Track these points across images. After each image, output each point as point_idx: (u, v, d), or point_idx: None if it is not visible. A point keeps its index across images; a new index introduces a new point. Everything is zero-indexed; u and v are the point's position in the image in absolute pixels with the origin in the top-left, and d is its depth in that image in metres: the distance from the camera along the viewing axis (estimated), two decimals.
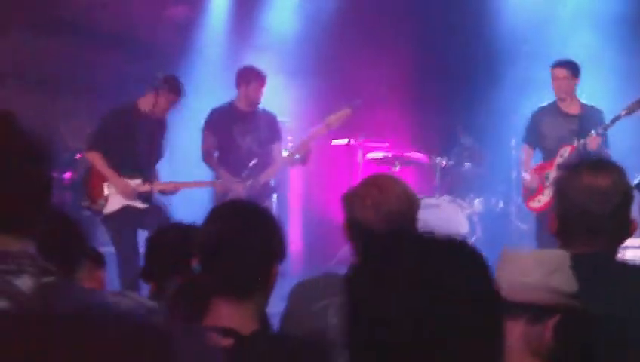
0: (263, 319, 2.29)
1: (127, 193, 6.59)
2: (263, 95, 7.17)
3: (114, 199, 6.60)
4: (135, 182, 6.63)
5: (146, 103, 6.64)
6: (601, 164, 2.54)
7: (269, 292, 2.27)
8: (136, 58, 8.20)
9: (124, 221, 6.59)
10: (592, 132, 6.65)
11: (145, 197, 6.67)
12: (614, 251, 2.46)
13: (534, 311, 1.97)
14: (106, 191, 6.61)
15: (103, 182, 6.62)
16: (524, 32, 8.43)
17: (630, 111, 6.61)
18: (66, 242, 2.66)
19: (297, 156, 7.13)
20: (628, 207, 2.45)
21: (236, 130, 7.13)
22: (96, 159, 6.61)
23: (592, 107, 6.94)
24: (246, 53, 8.45)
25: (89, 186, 6.66)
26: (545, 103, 7.07)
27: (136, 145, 6.60)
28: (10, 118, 1.80)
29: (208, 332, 1.94)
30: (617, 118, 6.65)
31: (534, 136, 7.06)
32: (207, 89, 8.42)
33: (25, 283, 1.77)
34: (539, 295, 1.97)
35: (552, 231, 2.50)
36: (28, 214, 1.85)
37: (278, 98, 7.89)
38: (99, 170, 6.60)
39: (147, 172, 6.72)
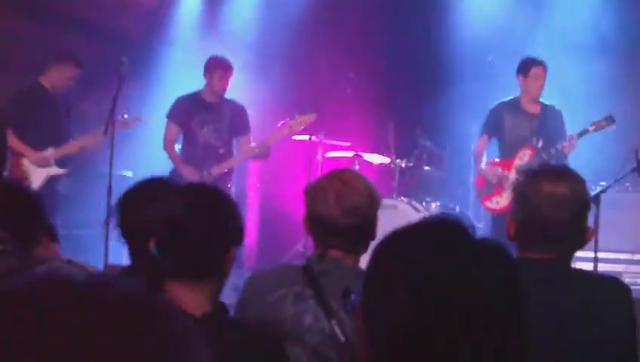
0: (218, 304, 2.28)
1: (43, 163, 6.76)
2: (228, 86, 7.11)
3: (34, 176, 6.71)
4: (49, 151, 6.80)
5: (45, 79, 6.87)
6: (561, 171, 2.56)
7: (225, 276, 2.25)
8: (105, 43, 8.14)
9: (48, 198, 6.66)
10: (570, 135, 6.62)
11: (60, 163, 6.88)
12: (570, 257, 2.49)
13: None
14: (26, 171, 6.71)
15: (20, 160, 6.71)
16: (489, 42, 8.49)
17: (598, 128, 6.63)
18: (25, 218, 2.63)
19: (257, 151, 7.08)
20: (585, 215, 2.48)
21: (195, 120, 7.06)
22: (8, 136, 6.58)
23: (551, 107, 6.90)
24: (215, 45, 8.39)
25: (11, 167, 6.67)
26: (505, 99, 6.98)
27: (44, 121, 6.76)
28: None
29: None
30: (585, 131, 6.63)
31: (494, 128, 6.96)
32: (176, 78, 8.33)
33: None
34: None
35: (509, 236, 2.52)
36: None
37: (244, 93, 7.84)
38: (12, 147, 6.58)
39: (58, 146, 6.86)
